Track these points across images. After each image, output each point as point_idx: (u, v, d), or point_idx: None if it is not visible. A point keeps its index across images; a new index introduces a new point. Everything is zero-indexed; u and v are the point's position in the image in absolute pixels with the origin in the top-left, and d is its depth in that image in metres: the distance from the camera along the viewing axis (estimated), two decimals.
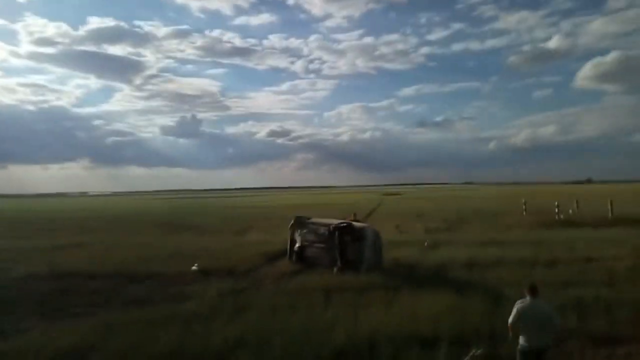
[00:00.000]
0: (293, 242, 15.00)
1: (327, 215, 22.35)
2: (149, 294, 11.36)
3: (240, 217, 38.25)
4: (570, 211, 27.48)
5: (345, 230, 13.53)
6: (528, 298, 5.95)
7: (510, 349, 7.08)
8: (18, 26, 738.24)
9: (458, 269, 13.08)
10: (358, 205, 52.09)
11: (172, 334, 7.91)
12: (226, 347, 7.43)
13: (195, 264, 14.32)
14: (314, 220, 15.31)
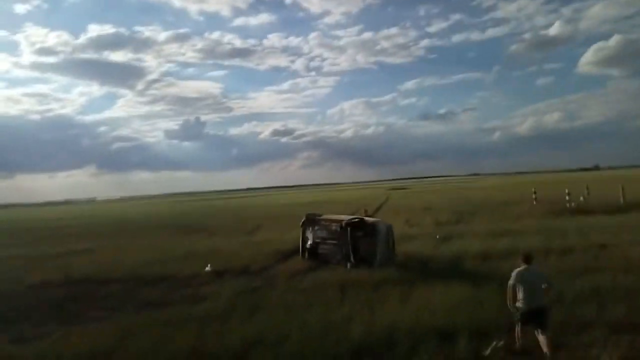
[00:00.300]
0: (305, 239, 14.99)
1: (336, 212, 22.32)
2: (164, 296, 11.38)
3: (249, 217, 38.29)
4: (582, 198, 27.21)
5: (358, 226, 13.49)
6: (524, 267, 6.77)
7: (529, 341, 7.07)
8: (19, 37, 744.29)
9: (471, 261, 13.01)
10: (365, 200, 51.99)
11: (190, 335, 7.92)
12: (244, 346, 7.42)
13: (209, 265, 14.34)
14: (325, 217, 15.28)
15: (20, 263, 17.63)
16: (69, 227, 39.50)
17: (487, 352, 6.68)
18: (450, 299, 9.13)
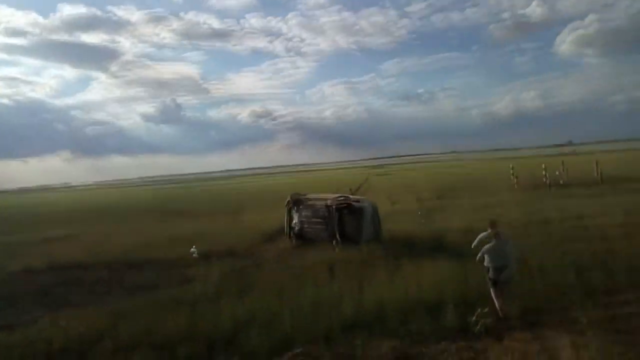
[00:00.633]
0: (291, 220, 15.06)
1: (320, 193, 22.37)
2: (152, 280, 11.36)
3: (232, 199, 38.11)
4: (557, 173, 27.93)
5: (343, 206, 13.61)
6: (489, 230, 7.82)
7: (513, 307, 7.36)
8: None
9: (454, 236, 13.28)
10: (347, 181, 52.22)
11: (181, 317, 7.95)
12: (237, 326, 7.51)
13: (194, 247, 14.31)
14: (310, 197, 15.35)
15: (1, 250, 17.28)
16: (49, 213, 38.70)
17: (473, 318, 6.92)
18: (436, 273, 9.35)
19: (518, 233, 12.16)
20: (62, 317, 8.50)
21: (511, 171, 29.63)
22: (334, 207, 13.68)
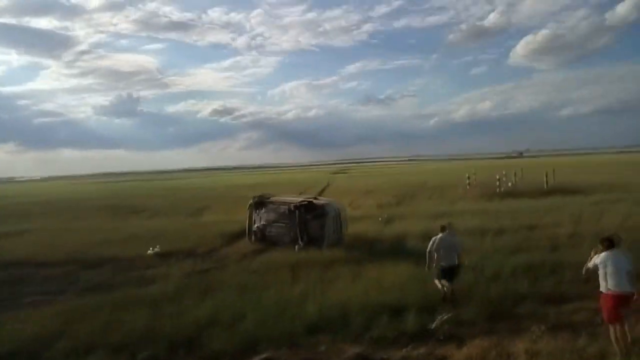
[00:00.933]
0: (253, 221, 14.95)
1: (281, 194, 22.33)
2: (108, 279, 11.00)
3: (191, 198, 37.33)
4: (510, 184, 29.14)
5: (307, 208, 13.68)
6: (441, 234, 8.76)
7: (471, 313, 7.68)
8: None
9: (414, 241, 13.62)
10: (307, 183, 52.34)
11: (141, 317, 7.76)
12: (199, 327, 7.42)
13: (151, 247, 13.97)
14: (273, 199, 15.31)
15: None
16: None
17: (434, 325, 7.16)
18: (397, 276, 9.60)
19: (476, 241, 12.64)
20: (13, 317, 8.09)
21: (467, 180, 30.66)
22: (297, 210, 13.72)
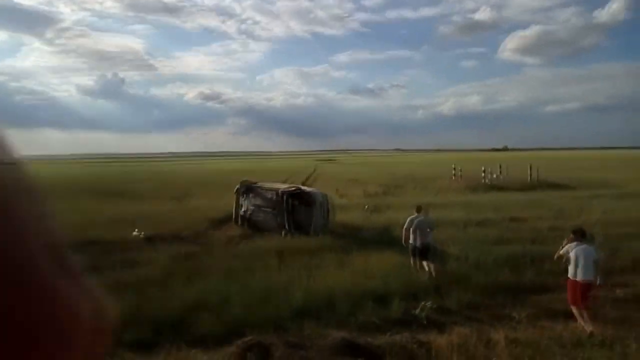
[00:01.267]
0: (240, 206, 14.97)
1: (268, 181, 22.33)
2: (92, 262, 10.81)
3: (176, 182, 37.08)
4: (494, 176, 29.59)
5: (294, 195, 13.74)
6: (416, 214, 9.70)
7: (454, 302, 7.89)
8: None
9: (400, 230, 13.77)
10: (294, 170, 52.38)
11: (127, 301, 7.74)
12: (186, 310, 7.46)
13: (137, 230, 13.88)
14: (261, 184, 15.34)
15: None
16: None
17: (417, 311, 7.33)
18: (382, 264, 9.75)
19: (459, 233, 12.88)
20: None
21: (453, 172, 31.02)
22: (285, 195, 13.77)
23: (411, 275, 9.16)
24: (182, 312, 7.41)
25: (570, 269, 6.80)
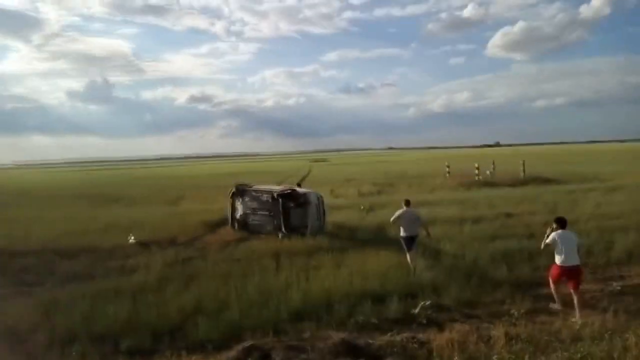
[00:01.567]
0: (235, 209, 14.90)
1: (260, 182, 22.29)
2: (87, 269, 10.79)
3: (169, 187, 36.88)
4: (488, 172, 29.76)
5: (289, 197, 13.69)
6: (405, 208, 10.04)
7: (451, 299, 7.89)
8: None
9: (396, 229, 13.80)
10: (288, 172, 52.33)
11: (123, 307, 7.67)
12: (183, 316, 7.40)
13: (132, 236, 13.77)
14: (255, 187, 15.27)
15: None
16: None
17: (417, 310, 7.32)
18: (379, 264, 9.75)
19: (455, 230, 12.91)
20: None
21: (447, 169, 31.14)
22: (280, 198, 13.72)
23: (408, 275, 9.15)
24: (180, 318, 7.35)
25: (557, 255, 7.37)
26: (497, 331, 5.98)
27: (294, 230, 13.30)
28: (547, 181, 25.95)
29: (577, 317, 6.76)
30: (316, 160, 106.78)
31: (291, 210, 13.60)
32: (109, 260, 11.64)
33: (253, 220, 14.39)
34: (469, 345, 5.65)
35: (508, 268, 9.21)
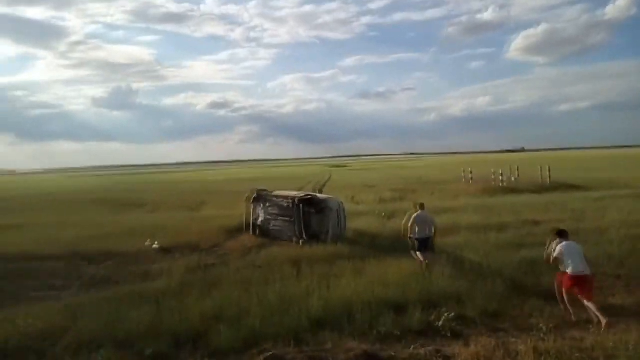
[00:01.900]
0: (255, 215, 14.93)
1: (281, 188, 22.32)
2: (112, 274, 10.97)
3: (191, 192, 37.33)
4: (513, 178, 29.16)
5: (309, 202, 13.64)
6: (420, 211, 10.45)
7: (476, 310, 7.67)
8: None
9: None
10: (308, 177, 52.38)
11: (146, 312, 7.74)
12: (204, 321, 7.40)
13: (155, 241, 13.94)
14: (275, 193, 15.28)
15: None
16: None
17: (440, 323, 7.14)
18: (401, 272, 9.57)
19: (479, 238, 12.64)
20: (16, 313, 8.05)
21: (470, 175, 30.64)
22: (300, 204, 13.69)
23: (431, 284, 8.95)
24: (201, 325, 7.35)
25: (564, 265, 7.39)
26: (525, 346, 5.77)
27: (314, 236, 13.23)
28: (573, 187, 25.25)
29: (602, 323, 6.62)
30: (336, 166, 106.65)
31: (311, 216, 13.54)
32: (132, 265, 11.80)
33: (273, 226, 14.39)
34: None
35: (536, 278, 8.93)
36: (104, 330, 7.07)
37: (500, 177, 27.67)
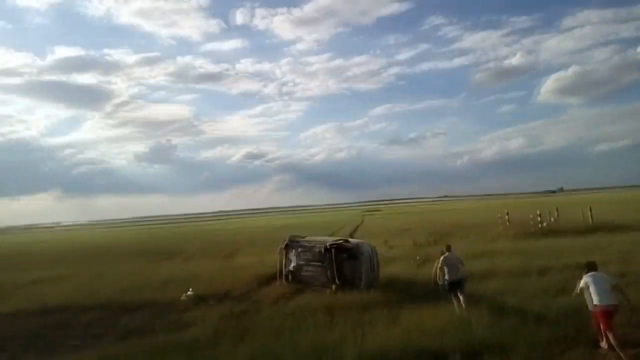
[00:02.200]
0: (287, 262, 14.90)
1: (314, 234, 22.29)
2: (147, 323, 11.08)
3: (224, 241, 37.74)
4: (553, 219, 28.12)
5: (341, 248, 13.52)
6: (447, 253, 10.41)
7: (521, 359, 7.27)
8: None
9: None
10: (340, 223, 52.15)
11: None
12: None
13: (190, 289, 14.07)
14: (307, 239, 15.28)
15: None
16: (39, 253, 37.93)
17: None
18: (438, 319, 9.26)
19: (519, 282, 12.16)
20: None
21: (506, 217, 29.78)
22: (332, 250, 13.60)
23: (470, 331, 8.58)
24: None
25: (594, 297, 7.39)
26: None
27: (346, 282, 13.02)
28: (618, 228, 24.03)
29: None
30: (369, 211, 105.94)
31: (344, 262, 13.38)
32: (166, 314, 11.89)
33: (305, 272, 14.27)
34: None
35: (580, 325, 8.42)
36: None
37: (539, 219, 26.70)
